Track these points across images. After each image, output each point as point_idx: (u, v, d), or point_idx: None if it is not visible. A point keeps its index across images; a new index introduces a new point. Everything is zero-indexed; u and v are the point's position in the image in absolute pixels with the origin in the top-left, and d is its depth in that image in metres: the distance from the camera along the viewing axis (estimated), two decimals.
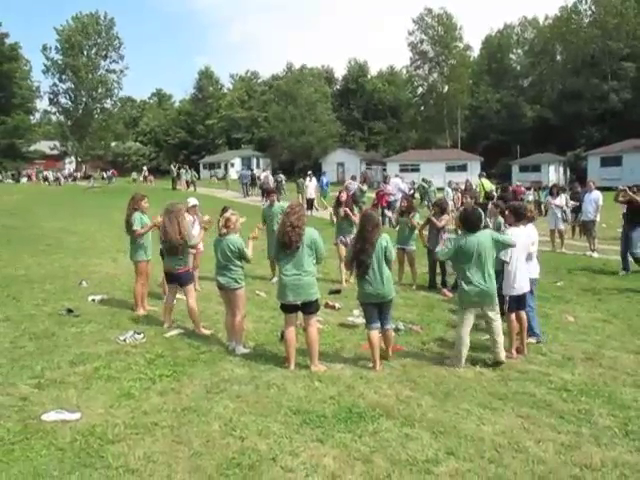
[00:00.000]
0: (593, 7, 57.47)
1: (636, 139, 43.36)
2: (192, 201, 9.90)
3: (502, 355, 6.21)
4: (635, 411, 5.09)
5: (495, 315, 6.20)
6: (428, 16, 62.69)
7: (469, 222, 6.26)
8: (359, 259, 6.00)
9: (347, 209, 10.56)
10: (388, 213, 16.58)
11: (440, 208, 10.54)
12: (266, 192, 12.34)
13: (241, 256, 6.61)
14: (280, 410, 4.95)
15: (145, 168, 53.28)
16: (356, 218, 9.98)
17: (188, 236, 7.43)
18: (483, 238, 6.15)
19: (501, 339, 6.21)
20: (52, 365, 6.01)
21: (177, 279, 7.54)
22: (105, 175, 51.97)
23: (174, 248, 7.37)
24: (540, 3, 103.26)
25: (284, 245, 5.93)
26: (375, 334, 6.03)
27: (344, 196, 10.79)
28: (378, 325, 6.09)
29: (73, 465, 4.01)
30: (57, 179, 49.83)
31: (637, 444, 4.46)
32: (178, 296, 9.11)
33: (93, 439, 4.37)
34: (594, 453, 4.28)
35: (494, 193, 16.86)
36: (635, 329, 7.85)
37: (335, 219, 10.77)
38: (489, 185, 20.91)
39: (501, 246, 6.25)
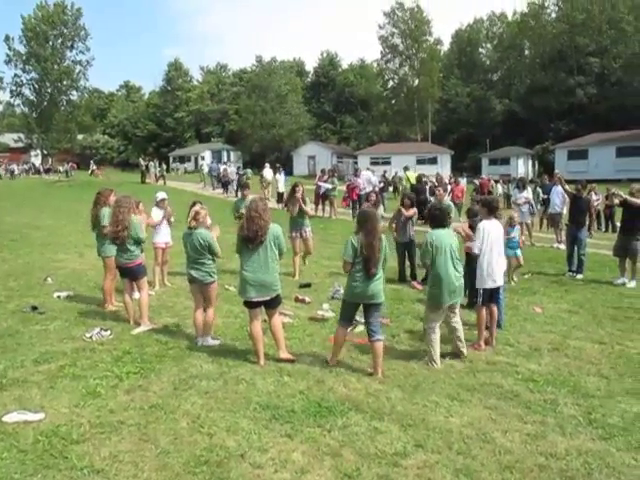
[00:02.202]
0: (560, 3, 58.34)
1: (601, 133, 44.30)
2: (160, 195, 9.77)
3: (465, 349, 6.26)
4: (598, 400, 5.20)
5: (457, 310, 6.26)
6: (399, 10, 62.80)
7: (435, 218, 6.29)
8: (376, 256, 5.63)
9: (301, 202, 10.59)
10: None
11: (409, 200, 10.63)
12: (240, 186, 12.46)
13: (210, 251, 6.55)
14: (249, 406, 4.91)
15: (92, 162, 52.09)
16: (311, 212, 10.24)
17: (135, 231, 7.23)
18: (450, 234, 6.19)
19: (462, 333, 6.28)
20: (15, 364, 5.85)
21: (128, 273, 7.41)
22: (62, 168, 50.08)
23: (119, 241, 7.26)
24: None
25: (247, 240, 5.82)
26: (343, 332, 5.93)
27: (300, 190, 10.70)
28: (349, 325, 6.01)
29: (36, 467, 3.91)
30: (12, 172, 48.20)
31: (600, 432, 4.55)
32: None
33: (57, 440, 4.27)
34: (559, 442, 4.37)
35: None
36: (599, 319, 8.02)
37: (291, 213, 10.76)
38: (414, 177, 21.51)
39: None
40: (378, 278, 5.71)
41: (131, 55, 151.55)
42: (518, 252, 10.20)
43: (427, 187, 20.15)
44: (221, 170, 32.80)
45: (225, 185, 30.60)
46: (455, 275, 6.02)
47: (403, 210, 10.29)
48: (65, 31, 55.75)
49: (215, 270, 6.72)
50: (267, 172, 28.05)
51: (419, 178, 20.40)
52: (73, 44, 56.57)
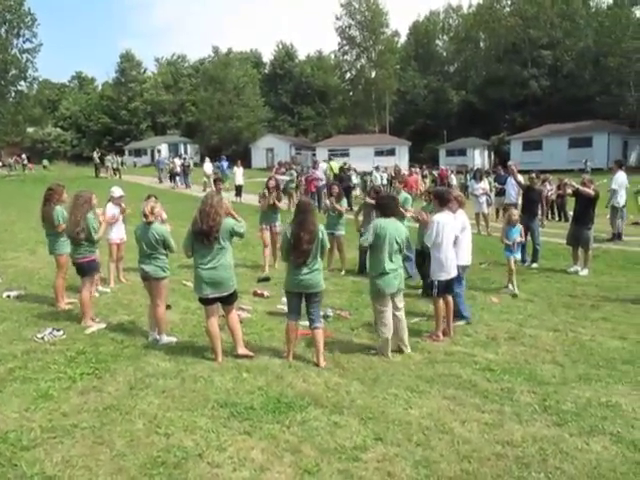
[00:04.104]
0: None
1: (554, 124, 45.44)
2: (117, 192, 9.48)
3: (407, 347, 6.28)
4: (553, 387, 5.32)
5: (401, 304, 6.29)
6: (355, 1, 62.86)
7: (382, 207, 6.31)
8: (302, 248, 5.69)
9: (276, 199, 10.55)
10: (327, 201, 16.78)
11: (376, 192, 10.70)
12: (213, 180, 12.78)
13: (165, 245, 6.42)
14: (207, 404, 4.83)
15: (24, 156, 50.06)
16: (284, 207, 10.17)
17: (89, 228, 7.05)
18: (398, 226, 6.19)
19: (406, 327, 6.31)
20: None
21: (79, 269, 7.24)
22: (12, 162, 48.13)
23: (72, 237, 7.12)
24: None
25: (202, 234, 5.68)
26: (292, 324, 5.92)
27: (273, 183, 10.69)
28: (297, 317, 5.98)
29: None
30: None
31: (554, 418, 4.65)
32: (101, 289, 8.83)
33: (5, 446, 4.09)
34: (515, 430, 4.44)
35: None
36: (554, 307, 8.22)
37: (262, 205, 10.67)
38: (337, 167, 22.69)
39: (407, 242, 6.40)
40: (314, 269, 5.75)
41: (84, 46, 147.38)
42: (518, 255, 9.56)
43: (351, 176, 22.33)
44: (168, 162, 33.86)
45: (173, 177, 31.49)
46: (392, 266, 6.02)
47: (368, 199, 10.29)
48: (9, 17, 53.42)
49: (167, 266, 6.60)
50: (207, 166, 29.33)
51: (342, 168, 21.82)
52: (19, 31, 54.36)
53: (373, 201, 10.29)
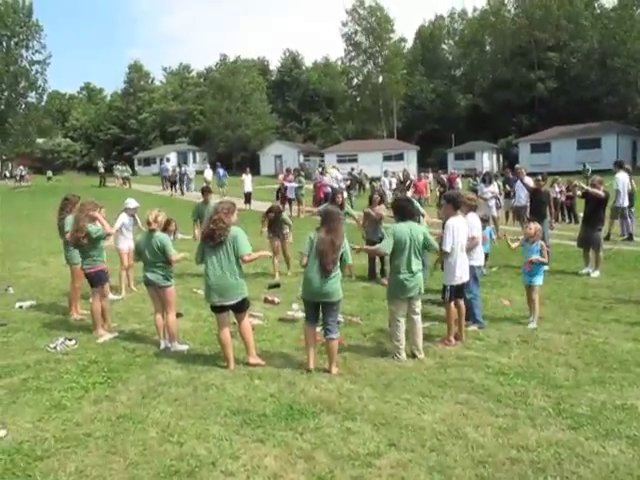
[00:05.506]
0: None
1: (562, 126, 45.25)
2: (132, 203, 9.58)
3: (420, 353, 6.24)
4: (567, 390, 5.26)
5: (419, 308, 6.29)
6: (360, 7, 63.04)
7: (400, 210, 6.32)
8: (333, 255, 5.61)
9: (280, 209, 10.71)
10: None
11: (379, 195, 10.79)
12: (201, 190, 12.13)
13: (165, 253, 6.45)
14: (219, 411, 4.83)
15: (21, 167, 49.93)
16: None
17: (90, 235, 7.04)
18: (416, 228, 6.20)
19: (421, 332, 6.31)
20: None
21: (88, 279, 7.27)
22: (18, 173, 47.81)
23: (77, 245, 7.17)
24: None
25: (207, 237, 5.75)
26: (310, 331, 5.86)
27: (272, 215, 10.68)
28: (315, 323, 5.94)
29: None
30: None
31: (569, 422, 4.60)
32: (112, 297, 8.86)
33: (20, 457, 4.12)
34: (530, 434, 4.40)
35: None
36: (566, 310, 8.15)
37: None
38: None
39: (428, 246, 6.31)
40: (334, 276, 5.69)
41: (92, 56, 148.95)
42: (536, 280, 7.50)
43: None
44: (169, 170, 35.12)
45: (173, 184, 33.10)
46: (412, 269, 6.03)
47: (372, 212, 10.29)
48: (18, 30, 53.92)
49: (172, 274, 6.63)
50: (207, 173, 30.86)
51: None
52: (28, 44, 54.86)
53: (373, 212, 10.32)
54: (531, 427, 4.52)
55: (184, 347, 6.52)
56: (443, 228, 6.78)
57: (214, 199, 11.15)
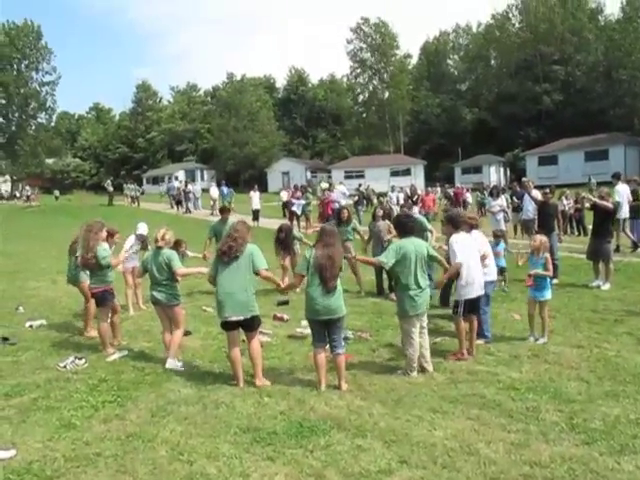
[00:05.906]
0: (523, 14, 59.65)
1: (569, 138, 45.24)
2: (142, 229, 9.56)
3: (429, 365, 6.24)
4: (580, 404, 5.20)
5: (425, 322, 6.28)
6: (365, 25, 63.65)
7: (401, 226, 6.34)
8: (334, 272, 5.63)
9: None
10: None
11: (382, 210, 10.86)
12: (220, 210, 12.24)
13: (170, 269, 6.48)
14: (229, 430, 4.80)
15: (27, 187, 50.29)
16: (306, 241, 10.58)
17: (97, 257, 7.06)
18: (418, 243, 6.21)
19: (428, 347, 6.30)
20: None
21: (93, 298, 7.31)
22: (27, 193, 47.94)
23: (85, 265, 7.22)
24: (471, 11, 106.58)
25: (224, 253, 5.78)
26: (319, 352, 5.76)
27: (282, 235, 10.81)
28: (324, 344, 5.85)
29: None
30: None
31: (582, 437, 4.54)
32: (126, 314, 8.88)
33: (29, 477, 4.11)
34: (543, 450, 4.33)
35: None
36: (577, 323, 8.08)
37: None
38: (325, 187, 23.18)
39: (432, 258, 6.36)
40: (336, 292, 5.68)
41: (100, 77, 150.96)
42: (542, 294, 7.29)
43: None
44: (176, 189, 35.76)
45: (179, 203, 33.60)
46: (419, 285, 6.02)
47: (387, 236, 10.10)
48: (28, 52, 54.82)
49: (179, 293, 6.66)
50: (213, 190, 30.97)
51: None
52: (38, 66, 55.76)
53: (388, 234, 10.32)
54: (544, 442, 4.46)
55: (178, 364, 6.49)
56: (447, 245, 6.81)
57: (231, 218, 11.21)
